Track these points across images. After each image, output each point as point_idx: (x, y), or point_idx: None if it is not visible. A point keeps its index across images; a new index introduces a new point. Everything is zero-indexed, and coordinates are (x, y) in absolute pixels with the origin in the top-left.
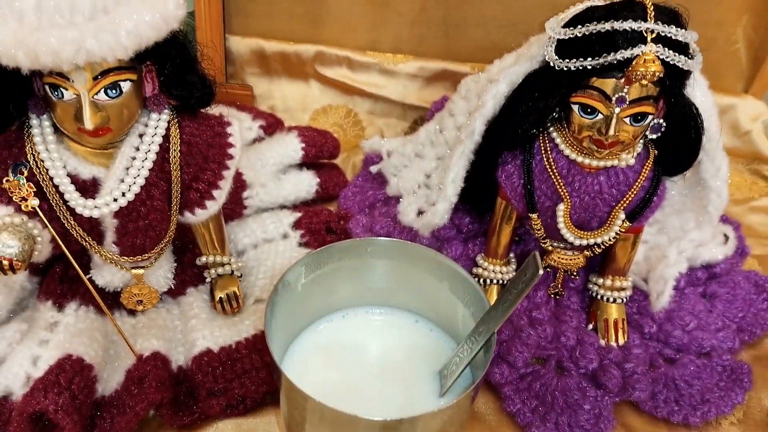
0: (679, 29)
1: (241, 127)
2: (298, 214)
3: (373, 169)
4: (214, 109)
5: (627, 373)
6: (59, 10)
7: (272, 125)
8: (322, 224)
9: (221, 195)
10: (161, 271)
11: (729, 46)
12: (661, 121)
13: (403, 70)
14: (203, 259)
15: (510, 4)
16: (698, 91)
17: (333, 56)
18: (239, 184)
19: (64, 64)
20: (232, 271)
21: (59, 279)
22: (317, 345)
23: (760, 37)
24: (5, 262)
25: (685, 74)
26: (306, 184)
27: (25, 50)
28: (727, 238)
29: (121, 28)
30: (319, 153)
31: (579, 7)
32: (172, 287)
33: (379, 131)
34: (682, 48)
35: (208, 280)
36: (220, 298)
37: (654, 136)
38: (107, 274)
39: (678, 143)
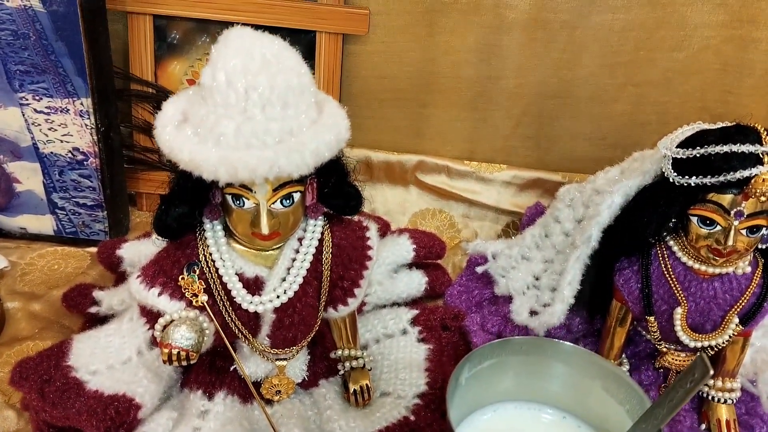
0: None
1: (377, 230)
2: (416, 312)
3: (479, 269)
4: None
5: None
6: (255, 134)
7: (382, 228)
8: (438, 321)
9: (361, 293)
10: (297, 363)
11: None
12: None
13: (498, 178)
14: (338, 352)
15: (598, 121)
16: None
17: (433, 165)
18: None
19: (258, 179)
20: (364, 364)
21: (208, 369)
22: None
23: None
24: (182, 353)
25: None
26: (416, 282)
27: (227, 167)
28: None
29: (307, 148)
30: (428, 254)
31: (689, 129)
32: (306, 378)
33: (473, 233)
34: None
35: (341, 372)
36: (354, 390)
37: (764, 247)
38: (252, 365)
39: None
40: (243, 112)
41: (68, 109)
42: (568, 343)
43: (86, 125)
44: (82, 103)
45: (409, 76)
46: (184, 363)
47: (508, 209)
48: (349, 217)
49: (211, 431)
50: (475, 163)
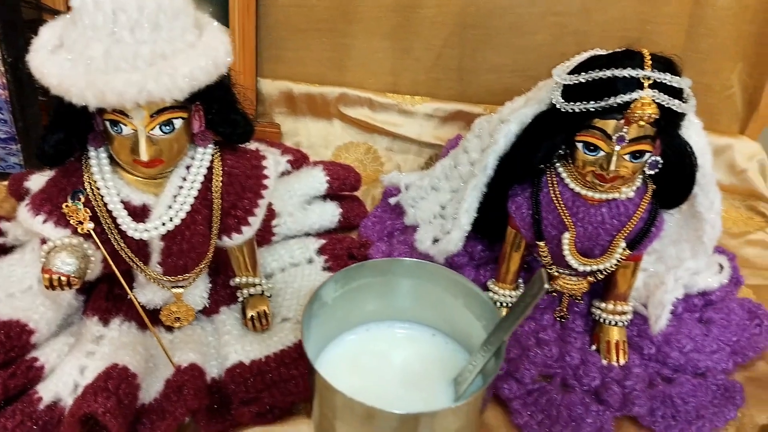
0: (673, 76)
1: (275, 160)
2: (323, 241)
3: (392, 200)
4: (251, 145)
5: (627, 390)
6: (125, 57)
7: (299, 160)
8: (344, 251)
9: (256, 222)
10: (197, 291)
11: (725, 91)
12: (659, 158)
13: (420, 111)
14: (237, 280)
15: (520, 52)
16: (693, 132)
17: (355, 97)
18: (269, 213)
19: (127, 103)
20: (263, 292)
21: (105, 297)
22: (344, 355)
23: (753, 83)
24: (63, 278)
25: (680, 116)
26: (330, 214)
27: (94, 91)
28: (722, 267)
29: (178, 72)
30: (342, 185)
31: (584, 56)
32: (207, 306)
33: (396, 166)
34: (676, 93)
35: (240, 299)
36: (252, 316)
37: (652, 172)
38: (149, 292)
39: (674, 178)
40: (111, 35)
41: None
42: (430, 262)
43: None
44: None
45: (328, 5)
46: (67, 288)
47: (431, 142)
48: (245, 146)
49: (105, 355)
50: (397, 95)
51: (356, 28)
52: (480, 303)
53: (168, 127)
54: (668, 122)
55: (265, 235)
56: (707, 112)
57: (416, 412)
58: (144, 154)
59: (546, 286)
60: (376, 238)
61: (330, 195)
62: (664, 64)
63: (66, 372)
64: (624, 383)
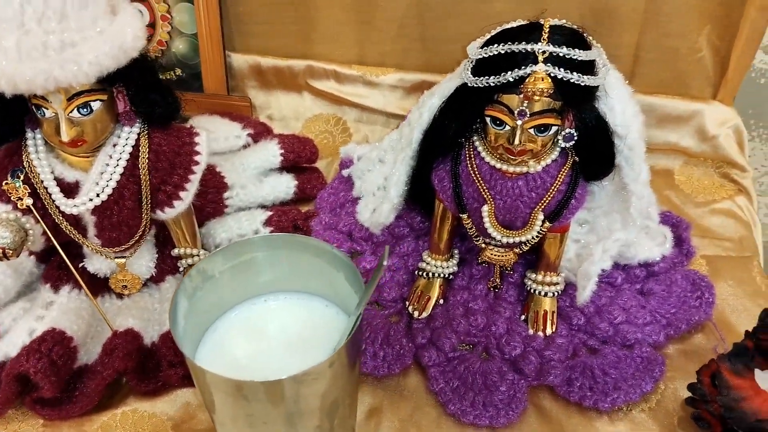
0: (573, 49)
1: (208, 137)
2: (270, 213)
3: (345, 172)
4: (205, 120)
5: (545, 359)
6: (35, 47)
7: (260, 133)
8: (289, 222)
9: (188, 196)
10: (143, 261)
11: (693, 55)
12: (572, 130)
13: (384, 82)
14: (176, 251)
15: (482, 20)
16: (616, 102)
17: (321, 70)
18: (221, 186)
19: (37, 90)
20: None
21: (57, 266)
22: (232, 327)
23: (725, 45)
24: None
25: (587, 88)
26: (284, 185)
27: (6, 79)
28: (666, 238)
29: (84, 59)
30: (297, 158)
31: (498, 30)
32: (154, 275)
33: (364, 137)
34: (578, 65)
35: (180, 269)
36: None
37: (566, 145)
38: (96, 262)
39: (591, 151)
40: (21, 26)
41: None
42: (313, 238)
43: None
44: None
45: None
46: (4, 260)
47: (396, 113)
48: (178, 125)
49: (52, 319)
50: (362, 66)
51: (321, 1)
52: (353, 275)
53: (85, 110)
54: (573, 95)
55: (217, 207)
56: (676, 77)
57: (277, 378)
58: (65, 135)
59: (385, 261)
60: (328, 209)
61: (288, 167)
62: (565, 36)
63: (17, 334)
64: (544, 353)
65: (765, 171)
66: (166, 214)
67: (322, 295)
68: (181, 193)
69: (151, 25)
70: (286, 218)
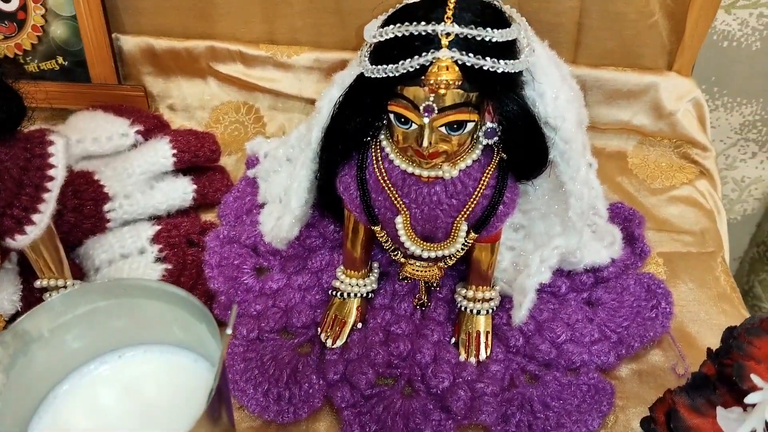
0: (486, 29)
1: (66, 144)
2: (158, 228)
3: (250, 173)
4: (86, 115)
5: (477, 394)
6: None
7: (152, 129)
8: (182, 237)
9: (42, 219)
10: (5, 294)
11: (645, 20)
12: (494, 125)
13: (298, 63)
14: (39, 282)
15: None
16: (546, 88)
17: (225, 51)
18: (100, 196)
19: None
20: None
21: None
22: (81, 393)
23: (680, 7)
24: None
25: (508, 75)
26: (180, 191)
27: None
28: (614, 239)
29: None
30: (194, 158)
31: (399, 5)
32: (20, 309)
33: (280, 127)
34: (494, 48)
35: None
36: None
37: (488, 142)
38: None
39: (518, 147)
40: None
41: None
42: (161, 283)
43: None
44: None
45: None
46: None
47: (314, 98)
48: (25, 132)
49: None
50: (271, 46)
51: None
52: (205, 316)
53: None
54: (491, 84)
55: (97, 223)
56: (625, 45)
57: None
58: None
59: (229, 331)
60: (233, 217)
61: (184, 169)
62: (474, 12)
63: None
64: (475, 385)
65: (730, 143)
66: (18, 242)
67: (189, 348)
68: (34, 216)
69: (23, 9)
70: (177, 233)
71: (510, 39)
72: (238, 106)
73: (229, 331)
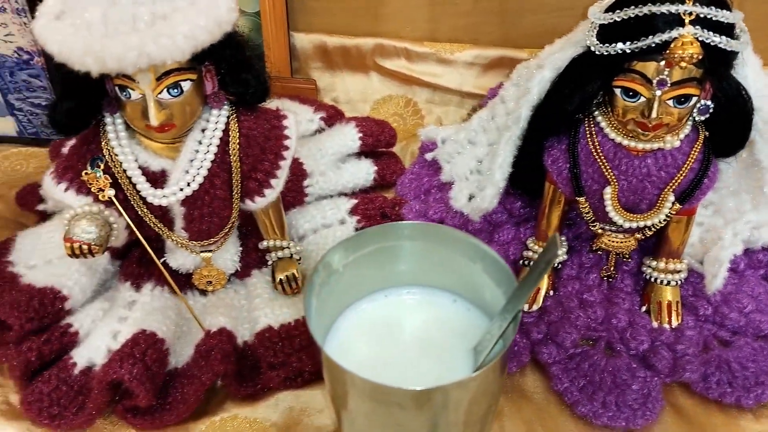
0: (719, 10)
1: (296, 120)
2: (355, 201)
3: (428, 156)
4: (276, 103)
5: (678, 354)
6: (123, 20)
7: (333, 117)
8: (377, 210)
9: (278, 184)
10: (228, 255)
11: None
12: (709, 102)
13: (460, 59)
14: (265, 243)
15: None
16: (749, 71)
17: (391, 48)
18: (300, 173)
19: (128, 68)
20: (291, 255)
21: (137, 262)
22: (359, 323)
23: None
24: (84, 247)
25: (731, 55)
26: (364, 172)
27: (93, 57)
28: None
29: (177, 32)
30: (376, 142)
31: None
32: (239, 269)
33: (437, 119)
34: (724, 29)
35: (269, 262)
36: (281, 279)
37: (702, 118)
38: (180, 257)
39: (727, 124)
40: None
41: (5, 8)
42: (444, 226)
43: (25, 23)
44: (17, 1)
45: None
46: (89, 256)
47: (472, 92)
48: (264, 106)
49: (136, 320)
50: (435, 43)
51: None
52: (498, 268)
53: (176, 90)
54: (717, 62)
55: (297, 196)
56: None
57: (427, 387)
58: (153, 119)
59: (558, 251)
60: (413, 196)
61: (365, 152)
62: None
63: (99, 337)
64: (675, 347)
65: None
66: (257, 204)
67: (448, 290)
68: (272, 181)
69: None
70: (373, 206)
71: (734, 21)
72: (398, 100)
73: (560, 251)
